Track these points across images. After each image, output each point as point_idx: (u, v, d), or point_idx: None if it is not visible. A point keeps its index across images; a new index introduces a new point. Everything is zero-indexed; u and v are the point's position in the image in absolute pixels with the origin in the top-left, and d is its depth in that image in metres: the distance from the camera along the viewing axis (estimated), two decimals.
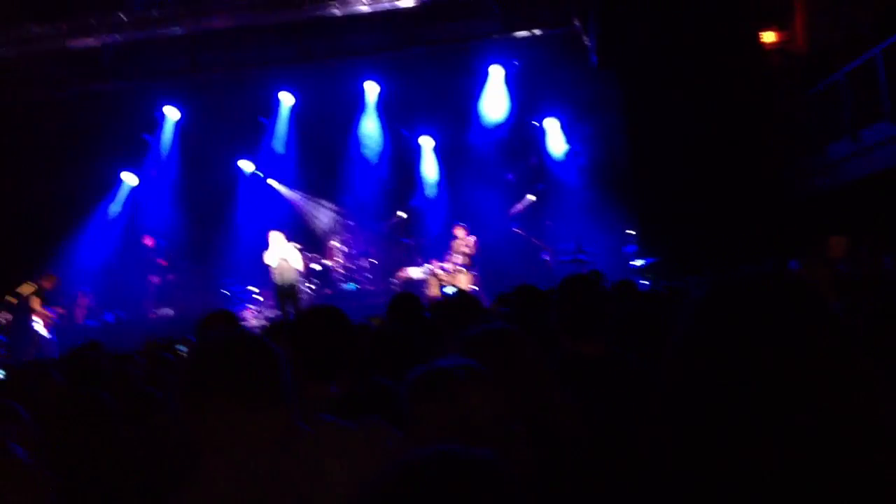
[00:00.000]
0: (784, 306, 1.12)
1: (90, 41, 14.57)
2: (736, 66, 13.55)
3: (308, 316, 3.19)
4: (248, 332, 2.07)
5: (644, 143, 14.03)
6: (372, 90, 17.30)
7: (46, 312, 13.97)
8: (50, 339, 13.86)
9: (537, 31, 15.73)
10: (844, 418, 1.06)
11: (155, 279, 16.37)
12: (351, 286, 16.44)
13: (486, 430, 1.90)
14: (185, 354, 7.83)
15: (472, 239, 14.57)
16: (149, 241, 16.76)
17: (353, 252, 16.76)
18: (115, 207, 16.97)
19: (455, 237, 14.82)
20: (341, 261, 16.62)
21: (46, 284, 14.18)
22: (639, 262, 13.63)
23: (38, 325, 13.84)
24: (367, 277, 16.70)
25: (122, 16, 14.24)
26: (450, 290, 12.88)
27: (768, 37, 14.77)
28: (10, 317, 14.21)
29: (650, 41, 13.64)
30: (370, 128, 17.50)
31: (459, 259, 14.56)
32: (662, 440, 1.23)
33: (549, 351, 3.10)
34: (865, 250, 10.05)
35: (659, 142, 13.75)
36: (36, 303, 13.95)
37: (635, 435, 2.94)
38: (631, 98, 14.28)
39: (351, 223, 17.08)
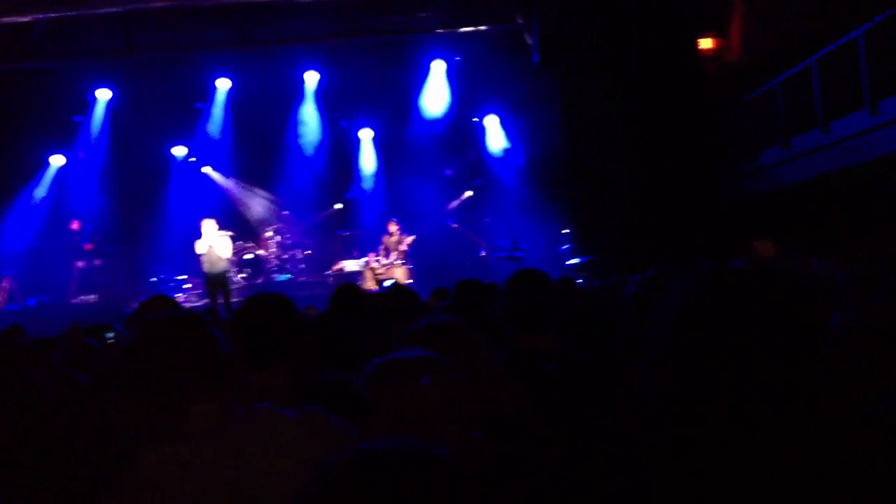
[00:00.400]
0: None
1: (21, 17, 14.05)
2: (673, 71, 13.75)
3: (252, 303, 3.08)
4: (187, 314, 1.97)
5: (581, 143, 14.13)
6: (311, 79, 17.07)
7: None
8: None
9: (480, 28, 15.72)
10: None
11: (80, 264, 15.90)
12: (283, 277, 16.23)
13: (445, 423, 1.86)
14: (112, 341, 7.61)
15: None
16: (75, 226, 16.25)
17: (288, 242, 16.54)
18: (41, 190, 16.42)
19: (388, 232, 14.79)
20: (275, 251, 16.39)
21: None
22: (573, 261, 13.74)
23: None
24: (301, 269, 16.51)
25: None
26: (389, 283, 12.80)
27: (705, 43, 15.04)
28: None
29: (590, 42, 13.76)
30: (309, 117, 17.27)
31: (394, 255, 14.54)
32: (634, 434, 1.19)
33: (496, 345, 3.07)
34: (794, 253, 10.30)
35: (596, 142, 13.86)
36: None
37: (588, 429, 2.93)
38: (570, 97, 14.36)
39: (286, 213, 16.84)
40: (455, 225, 15.69)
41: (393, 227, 14.78)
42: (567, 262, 13.88)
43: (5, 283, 15.14)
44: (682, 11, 14.09)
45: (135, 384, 1.85)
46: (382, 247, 14.85)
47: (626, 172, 13.49)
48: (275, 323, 2.94)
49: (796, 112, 11.53)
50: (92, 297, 15.76)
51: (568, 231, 14.89)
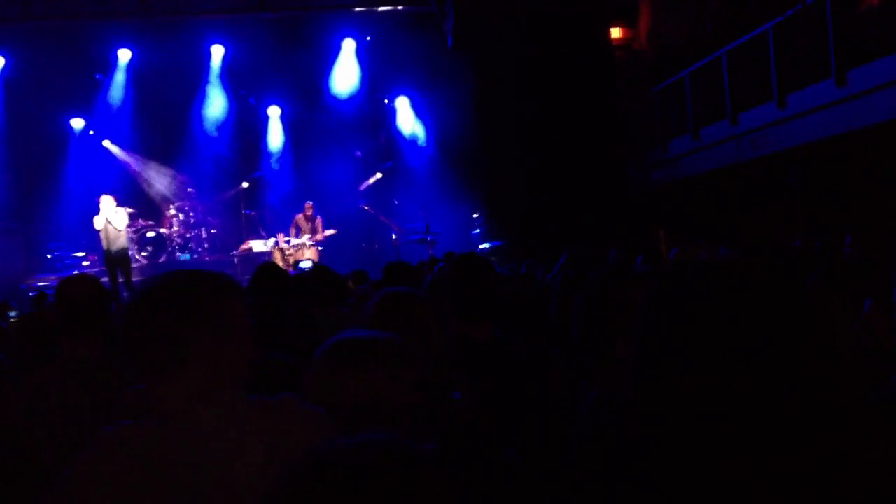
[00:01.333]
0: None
1: None
2: (583, 59, 13.94)
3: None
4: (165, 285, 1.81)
5: (493, 129, 14.22)
6: (217, 54, 16.62)
7: None
8: None
9: (393, 7, 15.58)
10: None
11: None
12: (186, 256, 15.81)
13: (398, 409, 1.82)
14: (14, 321, 7.26)
15: (325, 230, 14.46)
16: None
17: (192, 221, 16.10)
18: None
19: (303, 211, 14.60)
20: (178, 229, 15.93)
21: None
22: (485, 245, 13.82)
23: None
24: (206, 248, 16.10)
25: None
26: (306, 264, 12.61)
27: (615, 33, 15.30)
28: None
29: (503, 27, 13.82)
30: (215, 93, 16.82)
31: (305, 236, 14.36)
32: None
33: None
34: (701, 242, 10.56)
35: (507, 128, 13.97)
36: None
37: (528, 418, 2.93)
38: (482, 82, 14.43)
39: (190, 191, 16.38)
40: (366, 207, 15.57)
41: (309, 209, 14.62)
42: (479, 247, 13.94)
43: None
44: (593, 1, 14.29)
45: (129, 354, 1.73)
46: (293, 226, 14.63)
47: (538, 159, 13.64)
48: None
49: (704, 103, 11.84)
50: None
51: (479, 215, 14.97)
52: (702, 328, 1.05)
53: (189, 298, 1.71)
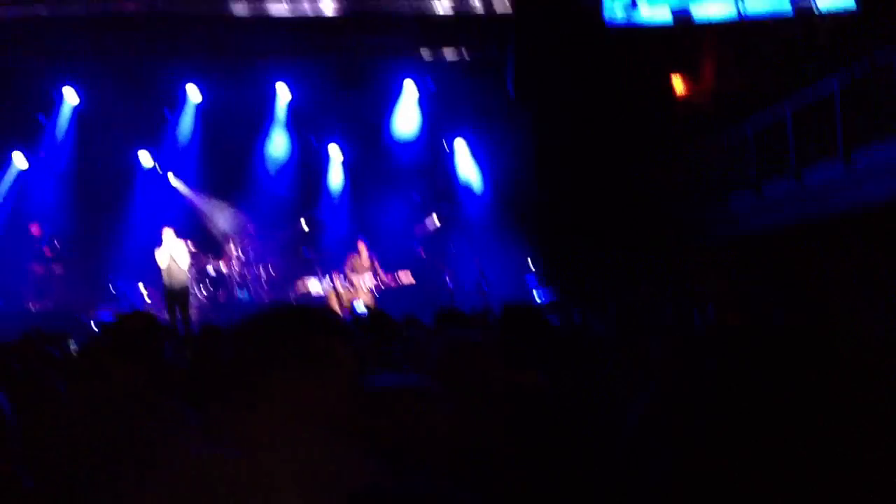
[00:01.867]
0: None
1: None
2: (646, 111, 13.90)
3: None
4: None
5: (551, 178, 14.22)
6: (283, 94, 16.95)
7: None
8: None
9: (457, 54, 15.76)
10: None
11: (38, 269, 15.51)
12: (243, 294, 15.99)
13: (435, 449, 1.81)
14: (74, 351, 7.40)
15: (404, 277, 14.53)
16: (35, 230, 15.87)
17: (251, 259, 16.31)
18: (1, 188, 16.02)
19: (356, 251, 14.69)
20: (237, 267, 16.14)
21: None
22: (538, 294, 13.74)
23: None
24: (263, 286, 16.28)
25: None
26: (360, 305, 12.68)
27: (678, 84, 15.24)
28: None
29: (564, 77, 13.86)
30: (278, 133, 17.14)
31: (365, 277, 14.43)
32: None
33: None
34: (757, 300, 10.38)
35: (565, 178, 13.95)
36: None
37: (570, 473, 2.87)
38: (543, 131, 14.47)
39: (250, 228, 16.62)
40: (421, 251, 15.59)
41: (361, 247, 14.71)
42: (534, 295, 13.87)
43: None
44: (655, 52, 14.28)
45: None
46: (348, 266, 14.72)
47: (595, 208, 13.57)
48: None
49: (768, 158, 11.69)
50: (48, 304, 15.40)
51: (534, 264, 14.91)
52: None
53: (285, 333, 1.71)
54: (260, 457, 1.66)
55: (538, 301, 13.55)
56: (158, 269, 13.37)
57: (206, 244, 15.98)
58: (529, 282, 14.92)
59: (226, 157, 16.75)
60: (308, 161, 17.34)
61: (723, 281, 12.67)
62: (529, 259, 15.22)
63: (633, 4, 14.37)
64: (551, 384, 3.20)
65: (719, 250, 13.22)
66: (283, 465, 1.66)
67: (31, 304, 15.25)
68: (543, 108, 14.30)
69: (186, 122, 16.81)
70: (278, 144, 17.14)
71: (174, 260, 13.19)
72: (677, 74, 15.02)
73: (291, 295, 15.58)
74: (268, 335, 1.72)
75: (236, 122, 16.60)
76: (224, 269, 16.00)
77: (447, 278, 15.09)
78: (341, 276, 14.73)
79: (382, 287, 14.54)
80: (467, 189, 17.08)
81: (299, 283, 15.78)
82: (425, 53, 15.70)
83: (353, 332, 1.80)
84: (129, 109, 16.04)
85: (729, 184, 13.00)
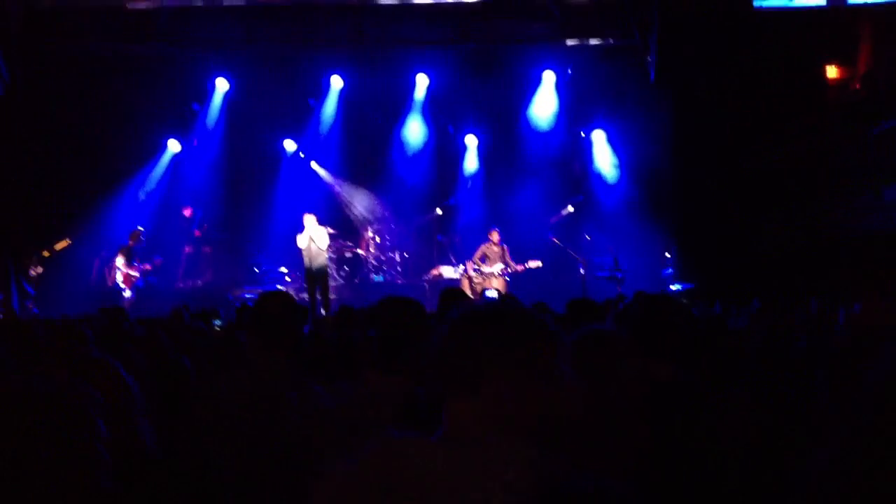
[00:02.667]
0: None
1: (148, 2, 14.56)
2: (795, 99, 13.33)
3: (385, 305, 3.16)
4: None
5: (693, 167, 13.86)
6: (422, 82, 17.16)
7: (129, 271, 14.34)
8: (129, 297, 14.18)
9: (595, 41, 15.51)
10: None
11: (188, 249, 16.35)
12: (379, 278, 16.35)
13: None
14: (219, 327, 7.78)
15: (531, 262, 14.53)
16: (187, 212, 16.74)
17: (387, 244, 16.66)
18: (156, 173, 16.93)
19: (489, 240, 14.75)
20: (374, 252, 16.53)
21: (131, 242, 14.61)
22: (676, 286, 13.43)
23: (120, 283, 14.31)
24: (397, 271, 16.60)
25: None
26: (492, 293, 12.74)
27: (831, 72, 14.53)
28: (40, 270, 14.30)
29: (710, 64, 13.44)
30: (416, 121, 17.37)
31: (496, 266, 14.48)
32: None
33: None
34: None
35: (707, 166, 13.56)
36: (120, 260, 14.34)
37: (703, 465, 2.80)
38: (684, 120, 14.10)
39: (387, 214, 16.97)
40: (555, 239, 15.47)
41: (494, 236, 14.74)
42: (670, 287, 13.56)
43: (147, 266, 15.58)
44: (808, 38, 13.64)
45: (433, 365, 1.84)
46: (479, 254, 14.81)
47: (738, 199, 13.15)
48: (409, 325, 3.04)
49: None
50: (197, 283, 16.22)
51: (671, 254, 14.57)
52: None
53: (498, 329, 1.77)
54: (468, 447, 1.70)
55: (674, 290, 13.25)
56: (300, 252, 13.83)
57: (344, 229, 16.40)
58: (666, 271, 14.61)
59: (365, 144, 17.16)
60: (444, 149, 17.50)
61: (873, 277, 12.01)
62: (667, 250, 14.89)
63: None
64: (689, 377, 3.12)
65: (870, 244, 12.55)
66: (488, 456, 1.69)
67: (182, 282, 16.08)
68: (685, 94, 13.93)
69: (329, 110, 17.26)
70: (416, 132, 17.36)
71: (314, 243, 13.63)
72: (829, 59, 14.31)
73: (425, 280, 15.81)
74: (487, 333, 1.77)
75: (376, 110, 16.97)
76: (361, 253, 16.41)
77: (580, 268, 14.93)
78: (473, 263, 14.82)
79: (510, 274, 14.57)
80: (603, 177, 16.83)
81: (433, 269, 16.00)
82: (565, 40, 15.52)
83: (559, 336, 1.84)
84: (276, 98, 16.69)
85: (883, 175, 12.31)
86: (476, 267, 14.66)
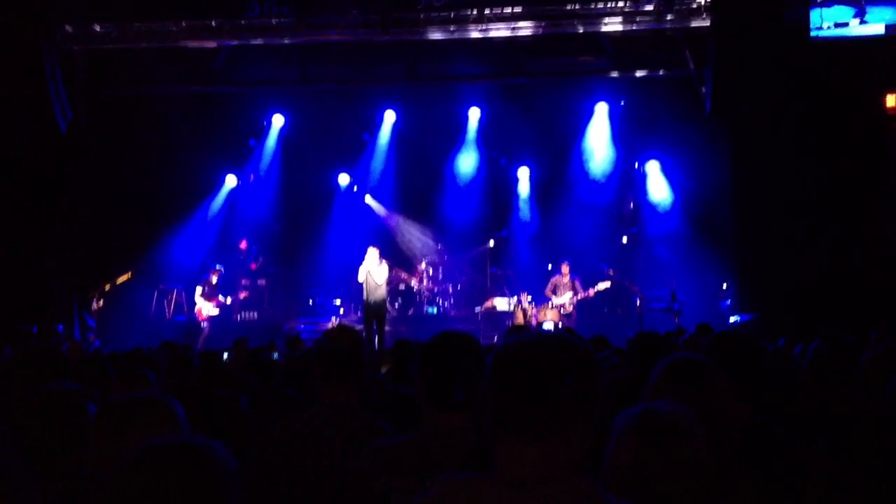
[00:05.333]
0: None
1: (206, 42, 14.87)
2: (854, 129, 13.11)
3: (440, 341, 3.05)
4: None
5: (749, 198, 13.69)
6: (474, 116, 17.23)
7: (210, 306, 14.90)
8: (205, 330, 14.66)
9: (647, 72, 15.43)
10: None
11: (244, 282, 16.55)
12: (432, 310, 16.36)
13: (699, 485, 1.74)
14: (277, 360, 7.81)
15: (577, 280, 14.59)
16: (243, 245, 16.99)
17: (440, 276, 16.69)
18: (215, 207, 17.22)
19: (560, 273, 14.81)
20: (427, 284, 16.56)
21: (213, 277, 15.14)
22: (734, 318, 13.21)
23: (202, 315, 14.86)
24: (451, 303, 16.60)
25: (242, 21, 14.47)
26: (548, 325, 12.68)
27: (891, 101, 14.25)
28: (101, 303, 14.58)
29: (767, 94, 13.28)
30: (469, 154, 17.43)
31: (565, 297, 14.53)
32: None
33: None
34: None
35: (764, 196, 13.38)
36: (198, 294, 14.93)
37: None
38: (740, 150, 13.95)
39: (440, 247, 17.01)
40: (610, 271, 15.35)
41: (565, 269, 14.84)
42: (729, 319, 13.34)
43: (175, 295, 15.89)
44: (867, 67, 13.42)
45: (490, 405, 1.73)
46: (550, 286, 14.86)
47: (796, 230, 12.93)
48: (463, 362, 2.93)
49: None
50: (253, 315, 16.40)
51: (729, 286, 14.35)
52: None
53: (558, 370, 1.67)
54: (535, 491, 1.65)
55: (734, 322, 13.03)
56: (354, 285, 13.94)
57: (397, 261, 16.48)
58: (724, 303, 14.38)
59: (418, 177, 17.26)
60: (497, 181, 17.53)
61: None
62: (724, 282, 14.67)
63: (845, 22, 13.57)
64: (769, 418, 3.04)
65: None
66: (559, 501, 1.63)
67: (236, 314, 16.26)
68: (742, 124, 13.77)
69: (382, 144, 17.42)
70: (468, 165, 17.42)
71: (372, 276, 13.72)
72: (888, 88, 14.04)
73: (478, 312, 15.78)
74: (553, 375, 1.68)
75: (429, 144, 17.07)
76: (414, 286, 16.44)
77: (636, 300, 14.78)
78: (529, 294, 14.80)
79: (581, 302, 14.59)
80: (657, 208, 16.68)
81: (486, 300, 15.97)
82: (617, 72, 15.47)
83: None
84: (330, 133, 16.91)
85: None
86: (535, 300, 14.71)
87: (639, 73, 15.42)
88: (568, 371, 1.68)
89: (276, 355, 8.08)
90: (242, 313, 16.34)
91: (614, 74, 15.55)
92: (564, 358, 1.69)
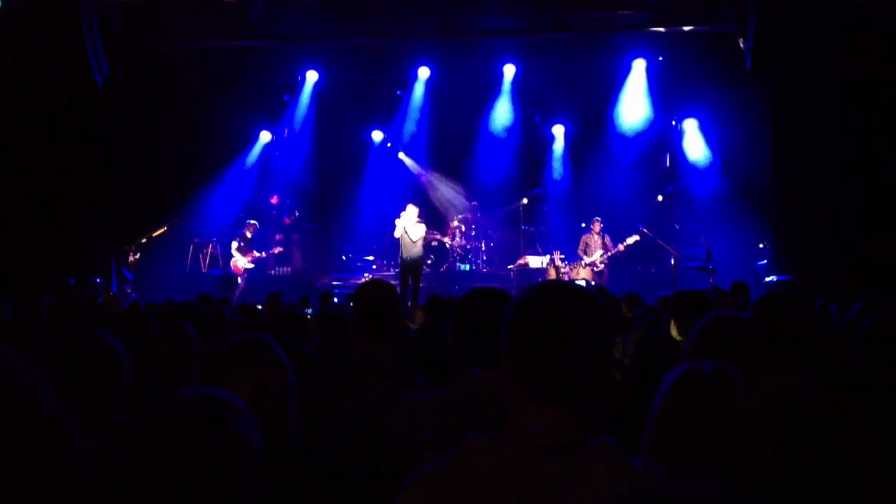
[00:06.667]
0: None
1: None
2: None
3: (474, 297, 3.00)
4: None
5: (789, 156, 13.45)
6: (509, 72, 17.03)
7: (245, 260, 15.07)
8: (241, 284, 14.89)
9: (687, 28, 15.13)
10: None
11: (278, 237, 16.66)
12: (464, 267, 16.37)
13: (743, 448, 1.71)
14: (311, 316, 7.88)
15: (607, 237, 14.53)
16: (274, 200, 17.06)
17: (473, 233, 16.65)
18: (249, 162, 17.28)
19: (590, 231, 14.72)
20: (460, 241, 16.54)
21: (248, 232, 15.32)
22: (770, 278, 13.06)
23: (237, 269, 15.09)
24: (483, 260, 16.58)
25: None
26: (580, 283, 12.62)
27: None
28: (138, 256, 14.77)
29: (810, 51, 12.97)
30: (503, 110, 17.26)
31: (596, 255, 14.47)
32: None
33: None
34: None
35: (805, 156, 13.14)
36: (234, 248, 15.16)
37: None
38: (781, 108, 13.67)
39: (473, 204, 16.96)
40: (644, 229, 15.23)
41: (596, 226, 14.74)
42: (765, 279, 13.20)
43: (211, 250, 16.01)
44: None
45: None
46: (582, 245, 14.80)
47: (837, 190, 12.70)
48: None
49: None
50: (286, 270, 16.52)
51: (766, 246, 14.17)
52: None
53: (607, 332, 1.62)
54: (566, 454, 1.61)
55: (769, 282, 12.89)
56: (387, 241, 13.96)
57: (430, 218, 16.47)
58: (760, 263, 14.22)
59: (452, 134, 17.16)
60: (531, 138, 17.38)
61: None
62: (761, 241, 14.49)
63: None
64: (815, 382, 2.97)
65: None
66: (591, 465, 1.60)
67: (272, 269, 16.39)
68: (782, 82, 13.49)
69: (416, 100, 17.30)
70: (503, 123, 17.27)
71: (408, 234, 13.74)
72: None
73: (511, 269, 15.76)
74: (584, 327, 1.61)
75: (463, 101, 16.94)
76: (447, 243, 16.44)
77: (671, 259, 14.66)
78: (562, 252, 14.74)
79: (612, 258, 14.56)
80: (694, 166, 16.46)
81: (519, 258, 15.94)
82: (656, 27, 15.18)
83: None
84: (364, 89, 16.84)
85: None
86: (568, 258, 14.65)
87: (678, 29, 15.11)
88: (614, 333, 1.63)
89: (309, 311, 8.15)
90: (276, 268, 16.47)
91: (655, 30, 15.25)
92: (610, 322, 1.63)
